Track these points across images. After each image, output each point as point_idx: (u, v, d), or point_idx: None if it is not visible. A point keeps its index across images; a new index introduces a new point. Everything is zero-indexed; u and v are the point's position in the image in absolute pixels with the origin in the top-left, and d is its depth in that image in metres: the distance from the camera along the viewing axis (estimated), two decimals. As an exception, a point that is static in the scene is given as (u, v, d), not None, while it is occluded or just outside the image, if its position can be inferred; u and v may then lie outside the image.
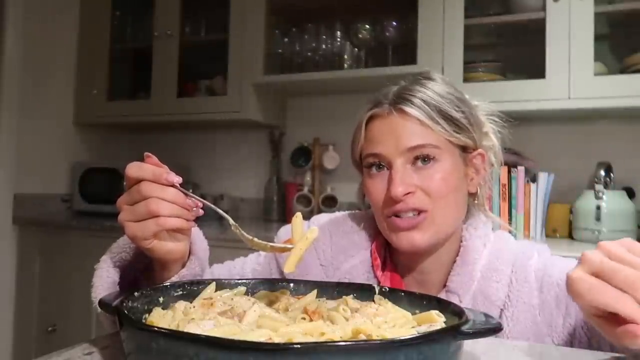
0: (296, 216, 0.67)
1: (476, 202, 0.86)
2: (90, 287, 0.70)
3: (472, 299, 0.79)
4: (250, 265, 0.94)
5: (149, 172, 0.63)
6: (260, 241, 0.66)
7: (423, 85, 0.81)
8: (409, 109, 0.77)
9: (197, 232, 0.75)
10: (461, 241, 0.85)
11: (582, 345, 0.73)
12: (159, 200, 0.62)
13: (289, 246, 0.64)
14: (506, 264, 0.81)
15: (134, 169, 0.64)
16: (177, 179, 0.64)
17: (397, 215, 0.79)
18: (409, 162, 0.78)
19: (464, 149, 0.81)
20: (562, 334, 0.75)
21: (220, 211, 0.67)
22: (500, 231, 0.89)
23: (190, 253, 0.72)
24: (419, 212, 0.78)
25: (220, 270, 0.94)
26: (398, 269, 0.86)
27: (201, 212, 0.66)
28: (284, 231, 0.94)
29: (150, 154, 0.66)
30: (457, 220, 0.82)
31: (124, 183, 0.66)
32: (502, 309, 0.79)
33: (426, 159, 0.78)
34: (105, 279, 0.69)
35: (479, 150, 0.83)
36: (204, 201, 0.66)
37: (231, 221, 0.66)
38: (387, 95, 0.81)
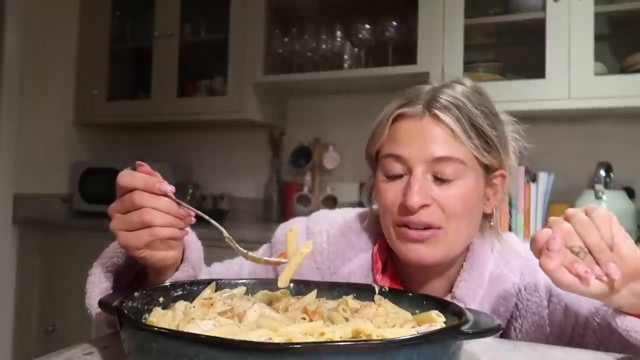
0: (291, 230, 0.67)
1: (491, 223, 0.80)
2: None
3: (479, 308, 0.74)
4: (248, 266, 0.92)
5: (141, 181, 0.62)
6: (254, 255, 0.66)
7: (458, 92, 0.74)
8: (444, 116, 0.71)
9: (190, 234, 0.74)
10: (467, 248, 0.81)
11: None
12: (152, 210, 0.61)
13: (283, 260, 0.64)
14: (514, 271, 0.78)
15: (125, 178, 0.63)
16: (170, 188, 0.63)
17: (407, 226, 0.73)
18: (430, 172, 0.72)
19: (488, 168, 0.76)
20: (569, 345, 0.73)
21: (214, 222, 0.65)
22: (506, 233, 0.85)
23: (183, 258, 0.72)
24: (431, 227, 0.73)
25: (219, 269, 0.93)
26: (399, 274, 0.82)
27: (193, 220, 0.66)
28: (281, 232, 0.91)
29: (142, 163, 0.65)
30: (469, 240, 0.78)
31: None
32: (509, 320, 0.76)
33: (448, 176, 0.72)
34: (98, 286, 0.69)
35: (501, 171, 0.77)
36: (197, 211, 0.66)
37: (225, 233, 0.65)
38: (419, 95, 0.75)
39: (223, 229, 0.65)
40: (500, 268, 0.78)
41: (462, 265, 0.79)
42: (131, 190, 0.62)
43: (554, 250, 0.59)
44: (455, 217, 0.72)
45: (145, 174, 0.63)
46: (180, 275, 0.71)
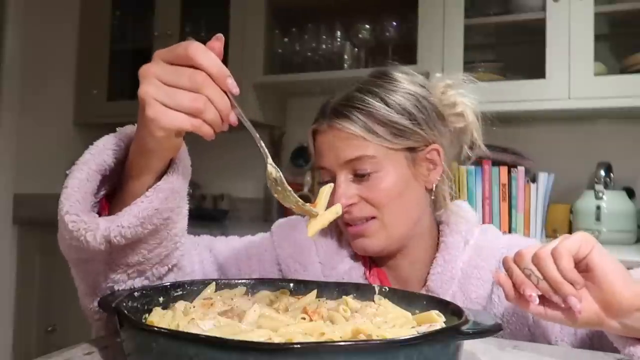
0: (330, 186, 0.70)
1: (432, 198, 0.84)
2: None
3: (452, 299, 0.76)
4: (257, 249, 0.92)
5: (214, 66, 0.53)
6: (299, 199, 0.62)
7: (367, 91, 0.79)
8: (342, 124, 0.78)
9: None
10: (440, 236, 0.83)
11: (585, 348, 0.70)
12: (208, 102, 0.53)
13: (314, 210, 0.64)
14: (489, 259, 0.79)
15: (199, 51, 0.52)
16: (236, 90, 0.55)
17: (349, 224, 0.80)
18: (351, 173, 0.79)
19: (412, 149, 0.80)
20: (560, 337, 0.73)
21: (256, 135, 0.59)
22: (486, 225, 0.87)
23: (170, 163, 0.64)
24: (366, 219, 0.79)
25: (207, 235, 0.91)
26: (381, 265, 0.86)
27: (235, 123, 0.57)
28: (283, 234, 0.92)
29: (221, 36, 0.55)
30: (411, 222, 0.81)
31: (168, 52, 0.53)
32: (484, 308, 0.77)
33: (365, 171, 0.78)
34: (84, 183, 0.61)
35: (432, 145, 0.81)
36: (247, 122, 0.58)
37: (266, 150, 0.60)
38: (325, 110, 0.82)
39: (265, 149, 0.59)
40: (473, 259, 0.80)
41: (435, 257, 0.82)
42: (193, 67, 0.53)
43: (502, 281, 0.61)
44: (384, 206, 0.78)
45: (219, 60, 0.54)
46: (165, 186, 0.62)
